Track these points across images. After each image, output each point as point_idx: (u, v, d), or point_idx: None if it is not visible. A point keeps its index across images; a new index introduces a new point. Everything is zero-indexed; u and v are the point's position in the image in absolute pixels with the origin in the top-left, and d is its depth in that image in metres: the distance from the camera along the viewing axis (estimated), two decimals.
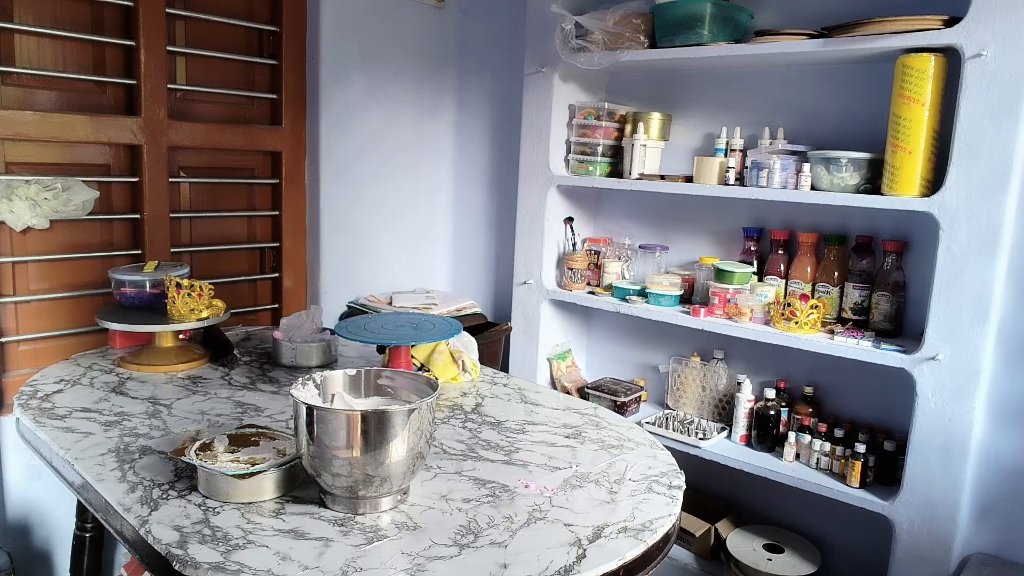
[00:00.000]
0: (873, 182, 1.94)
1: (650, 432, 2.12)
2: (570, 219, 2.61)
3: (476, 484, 1.24)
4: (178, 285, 1.72)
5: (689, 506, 2.11)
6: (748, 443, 2.22)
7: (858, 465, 1.96)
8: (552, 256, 2.63)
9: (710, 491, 2.47)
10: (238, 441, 1.23)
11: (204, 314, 1.74)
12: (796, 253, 2.19)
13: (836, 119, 2.14)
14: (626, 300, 2.39)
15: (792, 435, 2.11)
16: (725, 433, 2.28)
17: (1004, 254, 1.75)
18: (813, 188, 2.02)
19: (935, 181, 1.83)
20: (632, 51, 2.23)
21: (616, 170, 2.52)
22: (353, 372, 1.25)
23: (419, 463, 1.14)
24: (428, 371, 1.73)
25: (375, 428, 1.05)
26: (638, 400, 2.52)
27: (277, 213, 2.37)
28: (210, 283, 1.79)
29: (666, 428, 2.30)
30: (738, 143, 2.21)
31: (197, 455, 1.16)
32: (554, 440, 1.46)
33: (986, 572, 1.83)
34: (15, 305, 1.93)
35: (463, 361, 1.77)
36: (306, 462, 1.10)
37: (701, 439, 2.22)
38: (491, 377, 1.84)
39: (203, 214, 2.25)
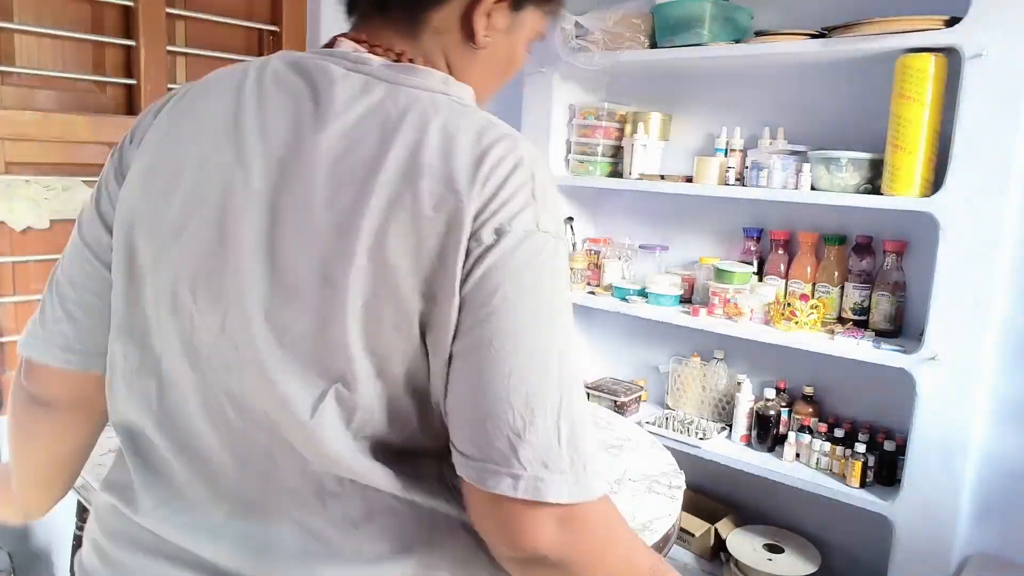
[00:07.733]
0: (873, 182, 1.94)
1: (650, 432, 2.11)
2: (570, 219, 2.61)
3: None
4: None
5: (689, 506, 2.11)
6: (748, 443, 2.22)
7: (858, 465, 1.96)
8: None
9: (710, 491, 2.47)
10: None
11: None
12: (796, 253, 2.18)
13: (836, 119, 2.14)
14: (626, 300, 2.39)
15: (792, 435, 2.11)
16: (725, 433, 2.28)
17: (1004, 254, 1.75)
18: (813, 188, 2.01)
19: (935, 181, 1.82)
20: (632, 51, 2.23)
21: (616, 170, 2.51)
22: None
23: None
24: None
25: None
26: (638, 400, 2.52)
27: None
28: None
29: (666, 428, 2.30)
30: (738, 143, 2.21)
31: None
32: None
33: (986, 572, 1.83)
34: (15, 305, 1.93)
35: None
36: None
37: (701, 439, 2.22)
38: None
39: None
